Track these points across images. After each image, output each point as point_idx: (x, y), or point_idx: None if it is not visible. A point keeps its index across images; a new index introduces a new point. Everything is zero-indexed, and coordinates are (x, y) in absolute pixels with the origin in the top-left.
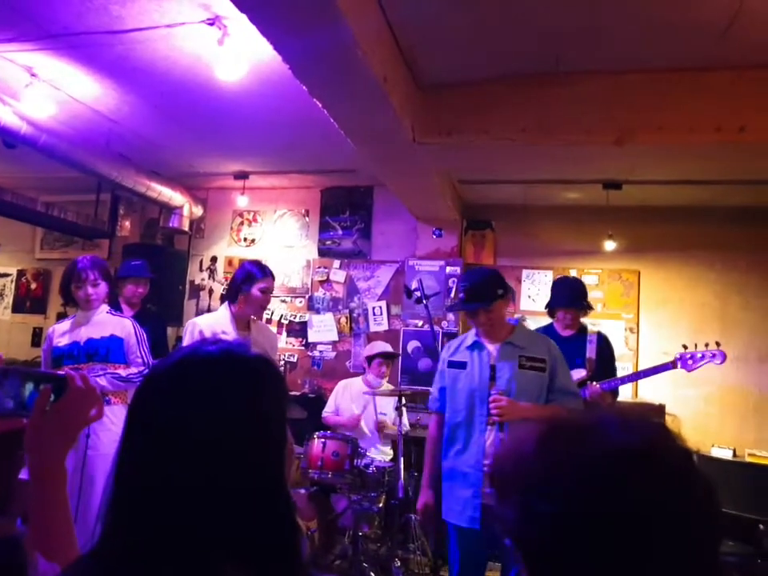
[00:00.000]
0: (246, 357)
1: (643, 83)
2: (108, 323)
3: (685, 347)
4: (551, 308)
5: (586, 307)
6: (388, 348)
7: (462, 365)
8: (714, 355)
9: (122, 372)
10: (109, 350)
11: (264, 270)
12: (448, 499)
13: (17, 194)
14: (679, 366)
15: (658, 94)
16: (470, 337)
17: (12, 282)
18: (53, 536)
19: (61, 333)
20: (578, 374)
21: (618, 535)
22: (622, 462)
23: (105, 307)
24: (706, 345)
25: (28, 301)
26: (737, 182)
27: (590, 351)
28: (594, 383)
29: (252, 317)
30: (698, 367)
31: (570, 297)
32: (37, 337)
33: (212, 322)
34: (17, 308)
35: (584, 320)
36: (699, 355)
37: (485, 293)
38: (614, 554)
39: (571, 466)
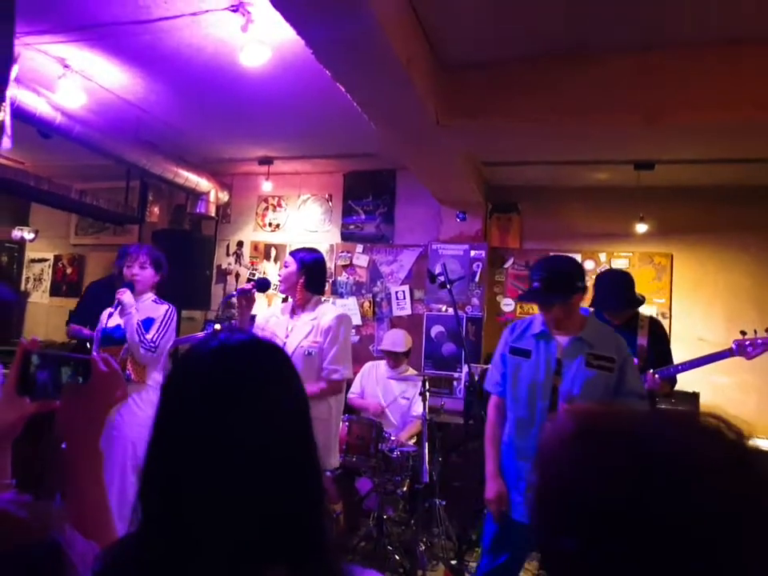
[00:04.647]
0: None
1: (674, 59)
2: (149, 310)
3: (743, 333)
4: (595, 308)
5: (635, 305)
6: (394, 347)
7: (526, 353)
8: None
9: (141, 333)
10: (142, 328)
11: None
12: None
13: (53, 182)
14: (737, 353)
15: (690, 71)
16: (537, 324)
17: (49, 266)
18: (90, 517)
19: (108, 315)
20: None
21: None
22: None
23: (150, 295)
24: (767, 330)
25: (64, 285)
26: None
27: (641, 338)
28: (651, 372)
29: (315, 299)
30: (757, 354)
31: (613, 302)
32: None
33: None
34: (54, 292)
35: None
36: (760, 341)
37: (565, 285)
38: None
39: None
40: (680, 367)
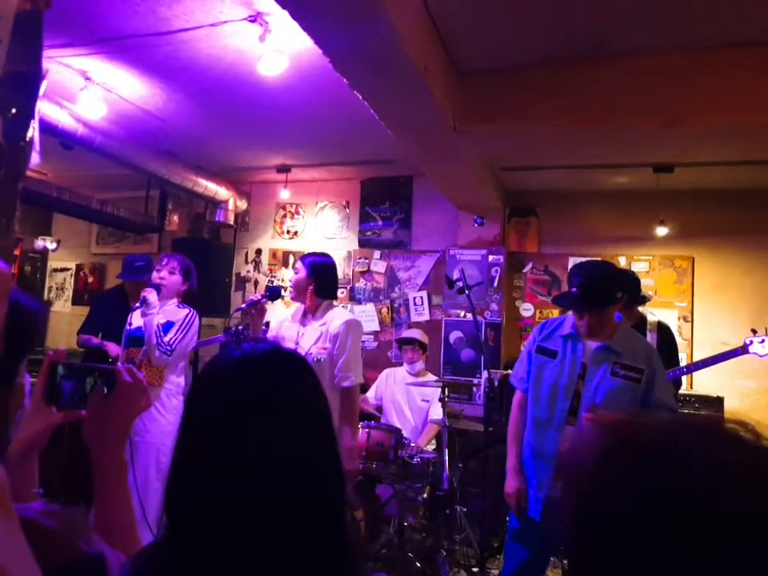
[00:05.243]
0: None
1: (694, 62)
2: (171, 314)
3: (754, 331)
4: None
5: (636, 303)
6: (413, 334)
7: (552, 353)
8: None
9: (160, 335)
10: (161, 330)
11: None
12: None
13: (75, 192)
14: (750, 351)
15: (710, 73)
16: (567, 325)
17: (71, 275)
18: (116, 526)
19: (136, 317)
20: None
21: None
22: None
23: (175, 301)
24: None
25: (86, 294)
26: None
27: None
28: None
29: (326, 304)
30: None
31: None
32: None
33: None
34: (76, 300)
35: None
36: None
37: (604, 295)
38: None
39: (634, 494)
40: (691, 367)
